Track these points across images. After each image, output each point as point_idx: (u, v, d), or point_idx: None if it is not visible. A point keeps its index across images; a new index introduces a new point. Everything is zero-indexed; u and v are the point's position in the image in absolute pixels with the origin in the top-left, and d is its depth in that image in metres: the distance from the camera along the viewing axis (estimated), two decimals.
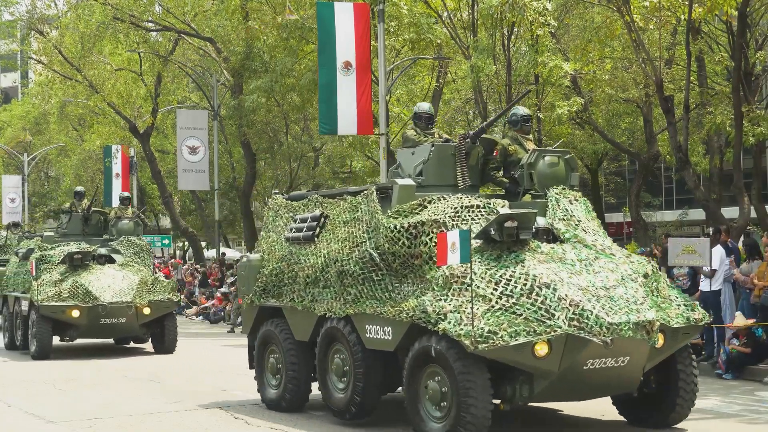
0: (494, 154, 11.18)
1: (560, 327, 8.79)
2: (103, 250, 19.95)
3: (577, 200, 10.44)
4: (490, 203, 10.12)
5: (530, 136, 11.61)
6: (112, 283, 18.77)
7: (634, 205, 28.79)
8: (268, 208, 12.56)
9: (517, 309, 8.97)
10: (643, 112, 27.33)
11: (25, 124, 55.90)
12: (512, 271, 9.24)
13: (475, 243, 9.50)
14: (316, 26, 22.57)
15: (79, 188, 22.98)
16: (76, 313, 18.36)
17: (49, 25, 39.21)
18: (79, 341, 20.82)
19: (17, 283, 20.71)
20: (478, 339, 8.72)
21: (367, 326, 10.23)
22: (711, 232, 16.93)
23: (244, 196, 35.50)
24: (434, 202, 10.14)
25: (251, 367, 12.53)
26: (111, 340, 21.51)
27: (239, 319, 27.78)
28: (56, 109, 43.21)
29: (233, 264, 34.73)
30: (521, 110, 11.41)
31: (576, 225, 10.15)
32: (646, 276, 9.67)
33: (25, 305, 19.64)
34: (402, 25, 24.31)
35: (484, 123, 11.79)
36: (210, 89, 36.92)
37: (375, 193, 10.51)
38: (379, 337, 10.08)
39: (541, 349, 8.81)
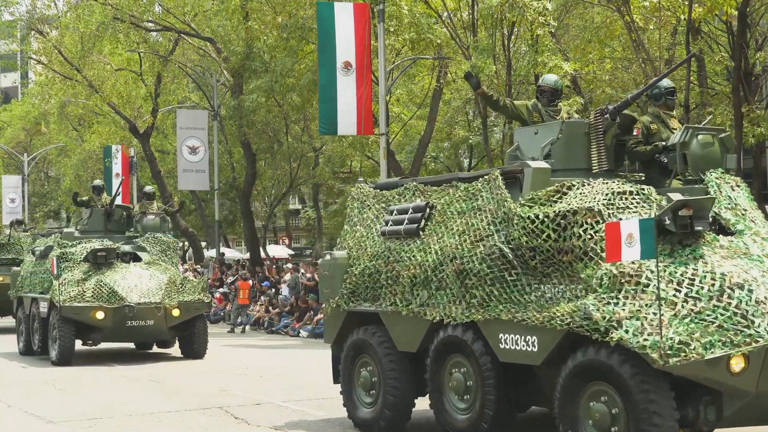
0: (635, 132, 9.55)
1: (762, 337, 7.27)
2: (127, 248, 18.76)
3: (738, 186, 8.91)
4: (644, 189, 8.49)
5: (674, 113, 10.03)
6: (139, 282, 17.63)
7: None
8: (351, 198, 11.16)
9: (707, 315, 7.43)
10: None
11: (26, 124, 55.92)
12: (694, 269, 7.70)
13: None
14: (316, 26, 22.58)
15: (98, 182, 21.78)
16: (100, 315, 17.17)
17: (49, 25, 39.22)
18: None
19: (34, 284, 19.49)
20: (668, 352, 7.15)
21: (500, 335, 8.64)
22: None
23: (244, 196, 35.50)
24: (577, 188, 8.52)
25: (336, 382, 10.95)
26: (131, 344, 20.35)
27: (239, 319, 27.83)
28: (56, 109, 43.19)
29: (233, 264, 34.77)
30: (665, 82, 9.93)
31: (743, 214, 8.61)
32: None
33: (44, 307, 18.42)
34: (402, 25, 24.31)
35: (629, 96, 10.08)
36: (210, 89, 36.92)
37: (500, 178, 8.97)
38: (518, 348, 8.47)
39: (737, 364, 7.28)
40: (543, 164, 8.98)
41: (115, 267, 17.94)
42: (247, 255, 37.80)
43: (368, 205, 10.72)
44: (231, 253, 45.02)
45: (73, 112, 43.39)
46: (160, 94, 36.77)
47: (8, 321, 28.45)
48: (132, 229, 19.99)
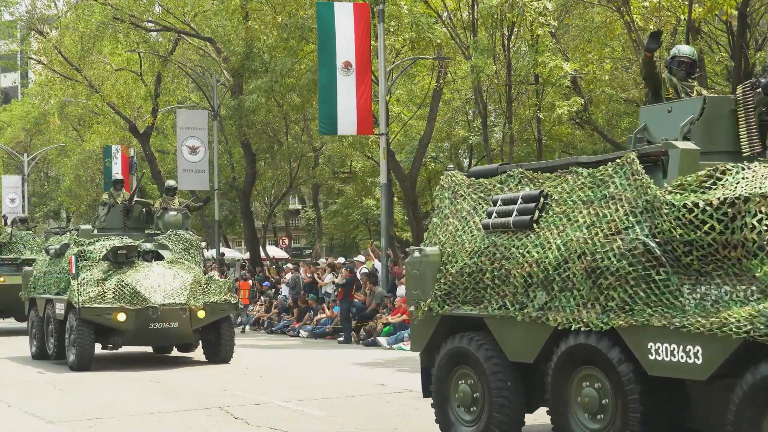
0: None
1: None
2: (149, 246, 17.57)
3: None
4: None
5: None
6: (162, 282, 16.52)
7: None
8: (440, 188, 9.77)
9: None
10: None
11: (26, 124, 55.93)
12: None
13: None
14: (316, 26, 22.59)
15: (118, 176, 20.59)
16: (122, 317, 16.09)
17: (49, 25, 39.22)
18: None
19: (49, 284, 18.31)
20: None
21: (649, 344, 7.31)
22: None
23: (244, 196, 35.51)
24: (735, 173, 7.21)
25: (426, 395, 9.61)
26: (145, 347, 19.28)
27: (239, 319, 27.80)
28: (56, 109, 43.21)
29: (233, 264, 34.77)
30: None
31: None
32: None
33: (60, 308, 17.21)
34: (402, 25, 24.32)
35: None
36: (210, 89, 36.93)
37: (637, 161, 7.73)
38: (674, 360, 7.15)
39: None
40: (691, 145, 7.83)
41: (137, 266, 16.87)
42: (247, 255, 37.81)
43: (462, 195, 9.37)
44: (231, 253, 45.02)
45: (73, 112, 43.41)
46: (160, 94, 36.79)
47: (10, 323, 28.37)
48: (152, 226, 18.93)
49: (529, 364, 8.43)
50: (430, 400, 9.43)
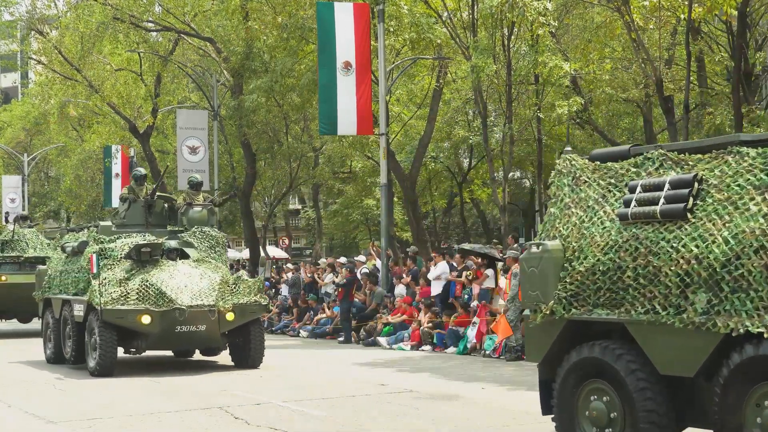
0: None
1: None
2: (173, 243, 16.57)
3: None
4: None
5: None
6: (189, 282, 15.52)
7: None
8: (557, 173, 8.65)
9: None
10: (643, 112, 27.36)
11: (26, 124, 55.93)
12: None
13: None
14: (316, 26, 22.59)
15: (140, 170, 19.25)
16: (146, 320, 15.13)
17: (49, 26, 39.22)
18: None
19: (66, 284, 17.29)
20: None
21: None
22: None
23: (244, 196, 35.51)
24: None
25: (546, 413, 8.38)
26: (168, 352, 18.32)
27: None
28: (56, 110, 43.22)
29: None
30: None
31: None
32: None
33: (79, 310, 16.19)
34: (402, 25, 24.33)
35: None
36: (210, 89, 36.93)
37: None
38: None
39: None
40: None
41: (161, 265, 15.85)
42: (247, 255, 37.80)
43: (586, 181, 8.22)
44: (231, 253, 45.00)
45: (73, 112, 43.38)
46: (160, 94, 36.78)
47: (12, 324, 27.87)
48: (174, 223, 17.88)
49: (681, 378, 7.28)
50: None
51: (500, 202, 24.70)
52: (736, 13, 19.47)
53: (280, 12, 28.20)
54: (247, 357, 16.40)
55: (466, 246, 21.54)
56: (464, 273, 20.00)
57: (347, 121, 21.64)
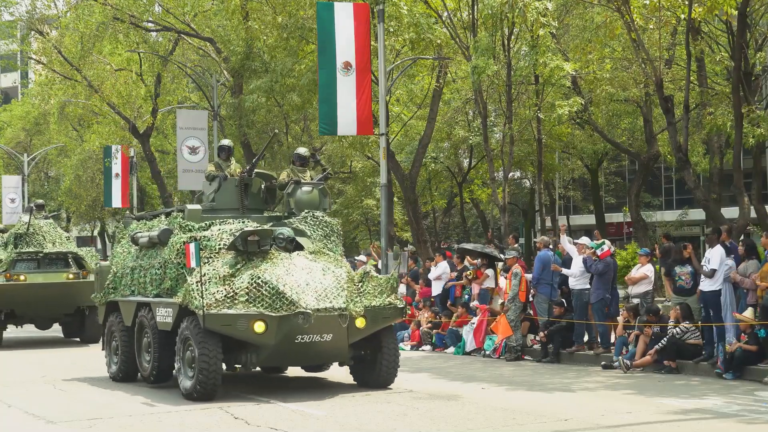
0: None
1: None
2: (285, 230, 13.21)
3: None
4: None
5: None
6: (311, 279, 12.59)
7: (634, 205, 28.85)
8: None
9: None
10: (643, 112, 27.38)
11: (26, 124, 55.93)
12: None
13: None
14: (316, 26, 22.58)
15: (226, 141, 16.14)
16: (260, 327, 12.08)
17: (49, 26, 39.23)
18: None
19: (142, 282, 14.19)
20: None
21: None
22: (710, 232, 16.92)
23: None
24: None
25: None
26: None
27: None
28: (56, 109, 43.22)
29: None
30: None
31: None
32: None
33: (165, 315, 13.20)
34: (402, 25, 24.34)
35: None
36: (210, 89, 36.94)
37: None
38: None
39: None
40: None
41: (272, 257, 12.83)
42: None
43: None
44: None
45: (73, 112, 43.42)
46: (160, 94, 36.80)
47: (29, 332, 25.08)
48: (272, 207, 15.09)
49: None
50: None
51: (500, 202, 24.70)
52: (736, 13, 19.47)
53: (280, 12, 28.21)
54: (377, 374, 13.29)
55: (468, 246, 21.54)
56: (464, 273, 20.00)
57: (347, 122, 21.60)
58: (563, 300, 17.49)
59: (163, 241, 13.79)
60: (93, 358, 17.92)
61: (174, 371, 13.37)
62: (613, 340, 16.77)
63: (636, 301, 16.69)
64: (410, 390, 13.31)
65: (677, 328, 15.39)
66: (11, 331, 24.57)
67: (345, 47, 21.32)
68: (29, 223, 21.78)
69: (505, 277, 18.47)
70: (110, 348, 15.30)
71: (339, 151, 35.89)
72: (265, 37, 29.73)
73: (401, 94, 33.94)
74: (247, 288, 12.31)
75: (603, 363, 16.16)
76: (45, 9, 39.33)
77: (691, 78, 21.42)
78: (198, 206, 14.48)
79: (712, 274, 15.02)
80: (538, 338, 17.73)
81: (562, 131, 30.49)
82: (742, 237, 17.96)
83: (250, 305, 12.21)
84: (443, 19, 25.44)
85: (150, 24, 34.86)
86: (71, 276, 21.41)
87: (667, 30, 22.11)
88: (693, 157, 28.73)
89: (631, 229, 36.06)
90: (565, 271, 17.47)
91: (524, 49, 24.73)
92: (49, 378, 15.74)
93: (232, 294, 12.31)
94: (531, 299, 18.17)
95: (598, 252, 16.55)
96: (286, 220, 14.06)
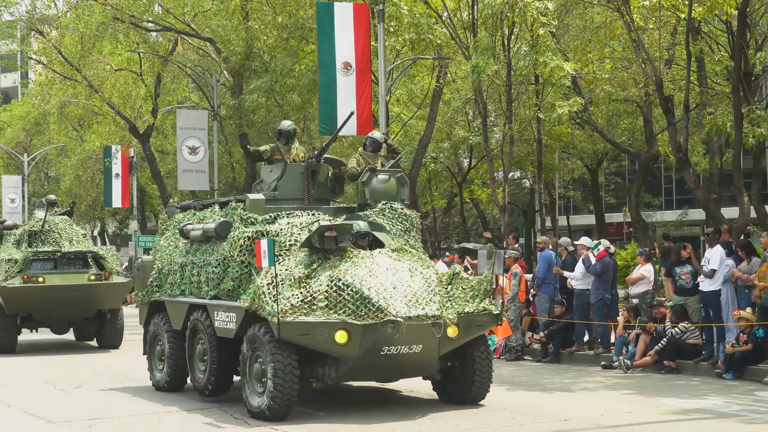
0: None
1: None
2: (362, 224, 11.69)
3: None
4: None
5: None
6: (398, 282, 11.02)
7: (634, 205, 28.84)
8: None
9: None
10: (643, 112, 27.37)
11: (26, 124, 55.94)
12: None
13: None
14: (316, 26, 22.58)
15: (288, 124, 13.66)
16: (342, 337, 10.54)
17: (49, 26, 39.22)
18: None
19: (196, 282, 12.61)
20: None
21: None
22: (710, 232, 16.93)
23: None
24: None
25: None
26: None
27: None
28: (56, 110, 43.23)
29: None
30: None
31: None
32: None
33: (227, 320, 11.69)
34: (402, 26, 24.34)
35: None
36: (210, 89, 36.95)
37: None
38: None
39: None
40: None
41: (351, 256, 11.25)
42: None
43: None
44: None
45: (73, 112, 43.43)
46: (160, 94, 36.79)
47: (44, 335, 23.23)
48: (338, 196, 13.60)
49: None
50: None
51: (500, 202, 24.70)
52: (736, 13, 19.46)
53: (280, 12, 28.22)
54: (467, 389, 11.83)
55: (469, 245, 21.50)
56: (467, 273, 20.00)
57: (347, 122, 21.59)
58: (564, 300, 17.50)
59: (221, 235, 12.18)
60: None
61: (233, 383, 12.35)
62: (613, 340, 16.78)
63: (635, 301, 16.71)
64: (410, 390, 13.30)
65: (676, 328, 15.39)
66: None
67: (345, 47, 21.31)
68: (44, 220, 20.37)
69: (506, 277, 18.45)
70: (154, 354, 13.78)
71: (339, 151, 35.85)
72: (265, 37, 29.73)
73: (401, 94, 33.94)
74: (326, 292, 10.74)
75: (603, 363, 16.16)
76: (45, 9, 39.30)
77: (691, 78, 21.41)
78: (261, 196, 12.67)
79: (711, 274, 15.03)
80: (537, 337, 17.74)
81: (562, 131, 30.50)
82: (741, 237, 17.96)
83: (331, 312, 10.63)
84: (443, 19, 25.44)
85: (150, 24, 34.84)
86: (93, 277, 19.75)
87: (667, 30, 22.10)
88: (693, 157, 28.73)
89: (631, 229, 36.04)
90: (566, 273, 17.47)
91: (524, 49, 24.73)
92: (49, 378, 15.70)
93: (309, 299, 10.74)
94: (532, 299, 18.18)
95: (595, 252, 16.55)
96: (361, 213, 12.40)
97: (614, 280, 17.10)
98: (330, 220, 11.83)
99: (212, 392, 12.41)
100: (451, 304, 11.16)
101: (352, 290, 10.67)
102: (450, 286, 11.45)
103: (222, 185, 38.27)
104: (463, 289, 11.46)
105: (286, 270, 11.08)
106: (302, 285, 10.92)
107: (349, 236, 11.34)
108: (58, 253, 19.93)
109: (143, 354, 14.28)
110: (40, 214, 21.01)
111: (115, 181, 39.92)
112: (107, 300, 19.95)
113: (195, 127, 34.63)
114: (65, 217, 21.40)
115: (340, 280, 10.78)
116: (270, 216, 12.10)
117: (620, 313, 17.01)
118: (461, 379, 11.85)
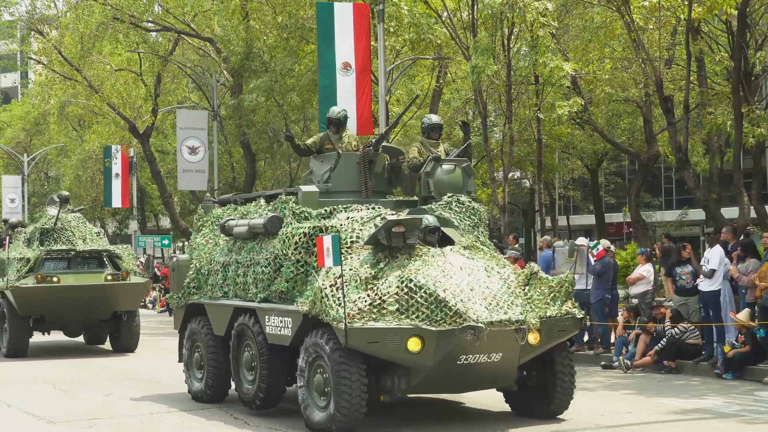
0: None
1: None
2: (431, 219, 10.56)
3: None
4: None
5: None
6: (474, 283, 9.97)
7: (634, 205, 28.84)
8: None
9: None
10: (643, 112, 27.38)
11: (26, 124, 55.96)
12: None
13: None
14: (316, 26, 22.58)
15: (336, 110, 12.60)
16: (415, 345, 9.47)
17: (49, 26, 39.22)
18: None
19: (242, 282, 11.52)
20: None
21: None
22: (711, 232, 16.94)
23: None
24: None
25: None
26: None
27: None
28: (56, 110, 43.23)
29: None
30: None
31: None
32: None
33: (279, 326, 10.66)
34: (402, 26, 24.33)
35: None
36: (210, 89, 36.95)
37: None
38: None
39: None
40: None
41: (421, 254, 10.21)
42: None
43: None
44: None
45: (73, 112, 43.44)
46: (159, 94, 36.80)
47: (56, 338, 21.70)
48: (395, 188, 12.68)
49: None
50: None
51: (500, 202, 24.70)
52: (736, 13, 19.47)
53: (280, 12, 28.22)
54: (546, 401, 10.78)
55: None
56: None
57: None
58: None
59: (270, 232, 11.10)
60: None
61: (284, 393, 11.35)
62: (613, 340, 16.77)
63: (635, 301, 16.71)
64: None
65: (676, 328, 15.40)
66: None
67: (345, 47, 21.31)
68: (57, 218, 19.60)
69: None
70: (191, 361, 12.75)
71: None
72: (265, 37, 29.73)
73: (401, 94, 33.92)
74: (396, 294, 9.66)
75: (603, 363, 16.17)
76: (45, 9, 39.31)
77: (691, 78, 21.42)
78: (315, 188, 11.62)
79: (711, 274, 15.03)
80: None
81: (562, 131, 30.50)
82: (741, 237, 17.97)
83: (402, 317, 9.55)
84: (443, 19, 25.44)
85: (150, 24, 34.85)
86: (110, 277, 18.88)
87: (667, 30, 22.11)
88: (693, 157, 28.72)
89: (631, 229, 36.05)
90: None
91: (524, 49, 24.73)
92: (49, 378, 15.70)
93: (378, 302, 9.64)
94: None
95: (594, 252, 16.55)
96: (425, 206, 11.36)
97: (614, 280, 17.10)
98: (393, 214, 10.78)
99: (262, 404, 11.31)
100: (531, 308, 10.10)
101: (425, 292, 9.58)
102: (527, 287, 10.36)
103: (222, 185, 38.27)
104: (542, 290, 10.39)
105: (351, 270, 9.97)
106: (369, 286, 9.80)
107: (418, 232, 10.27)
108: (72, 252, 19.15)
109: (179, 361, 13.25)
110: (52, 211, 20.19)
111: (115, 181, 39.93)
112: (124, 301, 19.13)
113: (195, 127, 34.63)
114: (78, 214, 20.73)
115: (411, 281, 9.70)
116: (325, 210, 11.09)
117: (620, 313, 17.01)
118: (539, 391, 10.78)
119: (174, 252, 44.84)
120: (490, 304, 9.73)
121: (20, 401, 13.21)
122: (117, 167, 39.77)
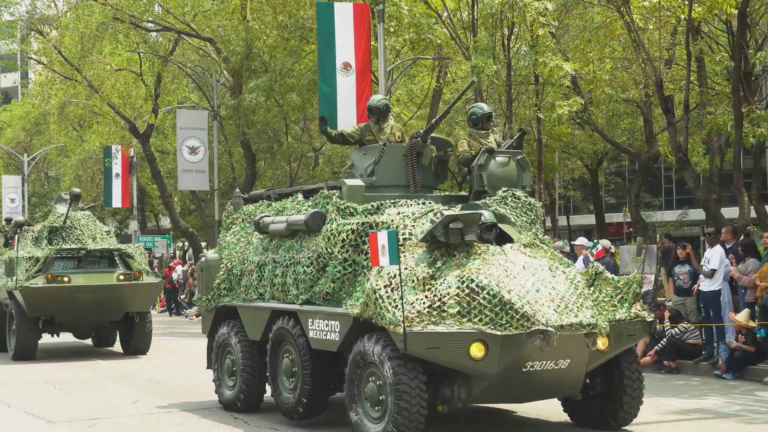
0: None
1: None
2: (488, 215, 9.88)
3: None
4: None
5: None
6: (540, 284, 9.28)
7: (634, 205, 28.84)
8: None
9: None
10: (643, 112, 27.37)
11: (26, 124, 55.96)
12: None
13: None
14: (316, 26, 22.59)
15: (377, 99, 12.01)
16: (478, 351, 8.76)
17: (49, 26, 39.23)
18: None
19: (281, 283, 10.71)
20: None
21: None
22: (712, 232, 16.94)
23: None
24: None
25: None
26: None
27: None
28: (56, 110, 43.22)
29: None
30: None
31: None
32: None
33: (325, 331, 9.91)
34: (402, 25, 24.35)
35: None
36: (210, 89, 36.95)
37: None
38: None
39: None
40: None
41: (480, 252, 9.47)
42: None
43: None
44: None
45: (73, 112, 43.43)
46: (160, 94, 36.80)
47: (66, 340, 21.56)
48: (442, 181, 11.86)
49: None
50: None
51: None
52: (736, 13, 19.47)
53: (280, 12, 28.22)
54: (612, 410, 10.07)
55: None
56: None
57: (347, 122, 21.57)
58: None
59: (312, 229, 10.26)
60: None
61: (327, 401, 10.61)
62: None
63: None
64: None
65: (676, 329, 15.40)
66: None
67: (345, 47, 21.31)
68: (67, 216, 19.07)
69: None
70: (222, 367, 11.94)
71: (339, 151, 35.87)
72: (265, 37, 29.73)
73: (401, 94, 33.93)
74: (456, 295, 8.90)
75: None
76: (45, 9, 39.31)
77: (691, 78, 21.42)
78: (360, 182, 10.82)
79: (711, 274, 15.03)
80: None
81: (562, 131, 30.48)
82: (741, 237, 17.97)
83: (464, 320, 8.79)
84: (443, 19, 25.45)
85: (150, 24, 34.86)
86: (122, 277, 18.39)
87: (667, 30, 22.10)
88: (693, 157, 28.71)
89: (631, 230, 36.04)
90: None
91: (524, 49, 24.74)
92: (49, 378, 15.70)
93: (438, 304, 8.88)
94: None
95: (593, 251, 16.56)
96: (478, 202, 10.52)
97: None
98: (446, 210, 9.97)
99: (304, 414, 10.48)
100: (599, 310, 9.33)
101: (488, 294, 8.82)
102: (592, 288, 9.54)
103: (222, 185, 38.27)
104: (608, 291, 9.56)
105: (406, 269, 9.17)
106: (427, 287, 9.02)
107: (476, 228, 9.45)
108: (83, 251, 18.59)
109: (207, 368, 12.51)
110: (61, 209, 19.61)
111: (115, 181, 39.93)
112: (137, 302, 18.62)
113: (195, 127, 34.63)
114: (88, 212, 20.19)
115: (472, 281, 8.93)
116: (372, 205, 10.30)
117: None
118: (604, 399, 10.04)
119: (173, 253, 44.88)
120: (558, 306, 9.02)
121: (20, 401, 13.21)
122: (117, 167, 39.76)
